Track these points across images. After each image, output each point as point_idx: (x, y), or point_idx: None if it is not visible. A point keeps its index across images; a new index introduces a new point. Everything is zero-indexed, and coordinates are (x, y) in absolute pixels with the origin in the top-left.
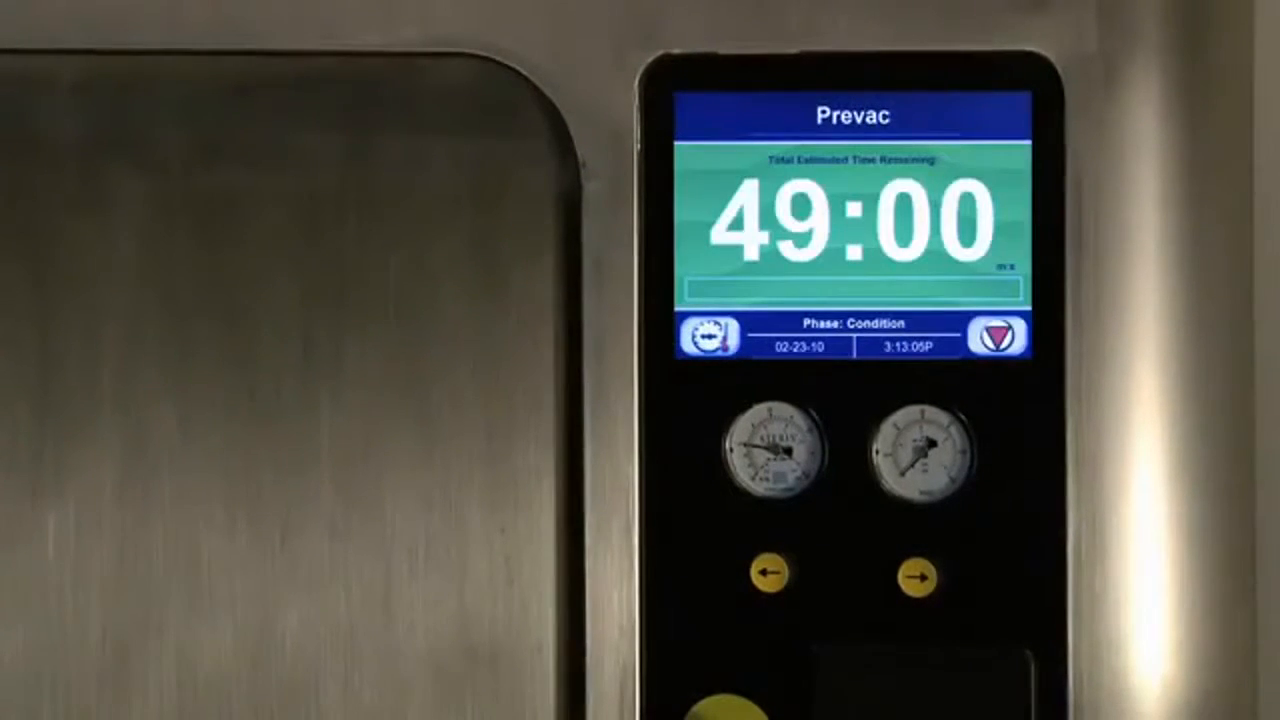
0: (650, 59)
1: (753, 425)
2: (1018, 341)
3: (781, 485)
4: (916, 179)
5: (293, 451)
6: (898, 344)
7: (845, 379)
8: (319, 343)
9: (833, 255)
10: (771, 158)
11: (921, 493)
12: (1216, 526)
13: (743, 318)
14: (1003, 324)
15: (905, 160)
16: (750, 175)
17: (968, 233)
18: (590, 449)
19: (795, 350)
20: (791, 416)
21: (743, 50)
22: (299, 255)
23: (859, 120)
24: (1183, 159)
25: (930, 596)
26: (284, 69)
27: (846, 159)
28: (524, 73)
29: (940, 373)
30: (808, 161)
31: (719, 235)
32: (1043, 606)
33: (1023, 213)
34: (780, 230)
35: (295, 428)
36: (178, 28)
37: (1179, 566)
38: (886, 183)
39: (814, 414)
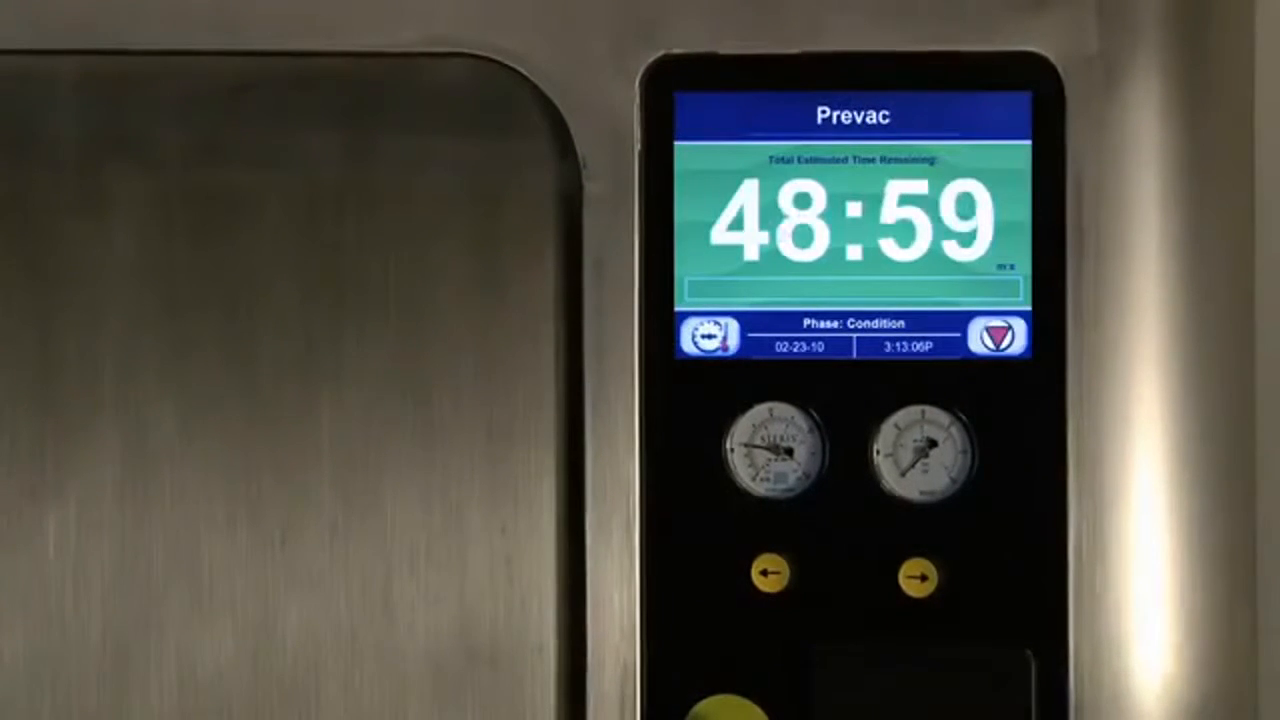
0: (650, 59)
1: (753, 425)
2: (1018, 341)
3: (782, 485)
4: (916, 179)
5: (293, 451)
6: (898, 344)
7: (845, 379)
8: (319, 343)
9: (833, 255)
10: (772, 158)
11: (922, 493)
12: (1217, 526)
13: (743, 318)
14: (1003, 324)
15: (905, 160)
16: (750, 175)
17: (968, 232)
18: (590, 449)
19: (795, 350)
20: (792, 417)
21: (743, 50)
22: (299, 255)
23: (859, 120)
24: (1183, 159)
25: (930, 596)
26: (284, 69)
27: (846, 159)
28: (524, 73)
29: (940, 373)
30: (808, 161)
31: (719, 235)
32: (1043, 606)
33: (1023, 213)
34: (780, 230)
35: (295, 427)
36: (177, 28)
37: (1179, 566)
38: (886, 182)
39: (815, 414)
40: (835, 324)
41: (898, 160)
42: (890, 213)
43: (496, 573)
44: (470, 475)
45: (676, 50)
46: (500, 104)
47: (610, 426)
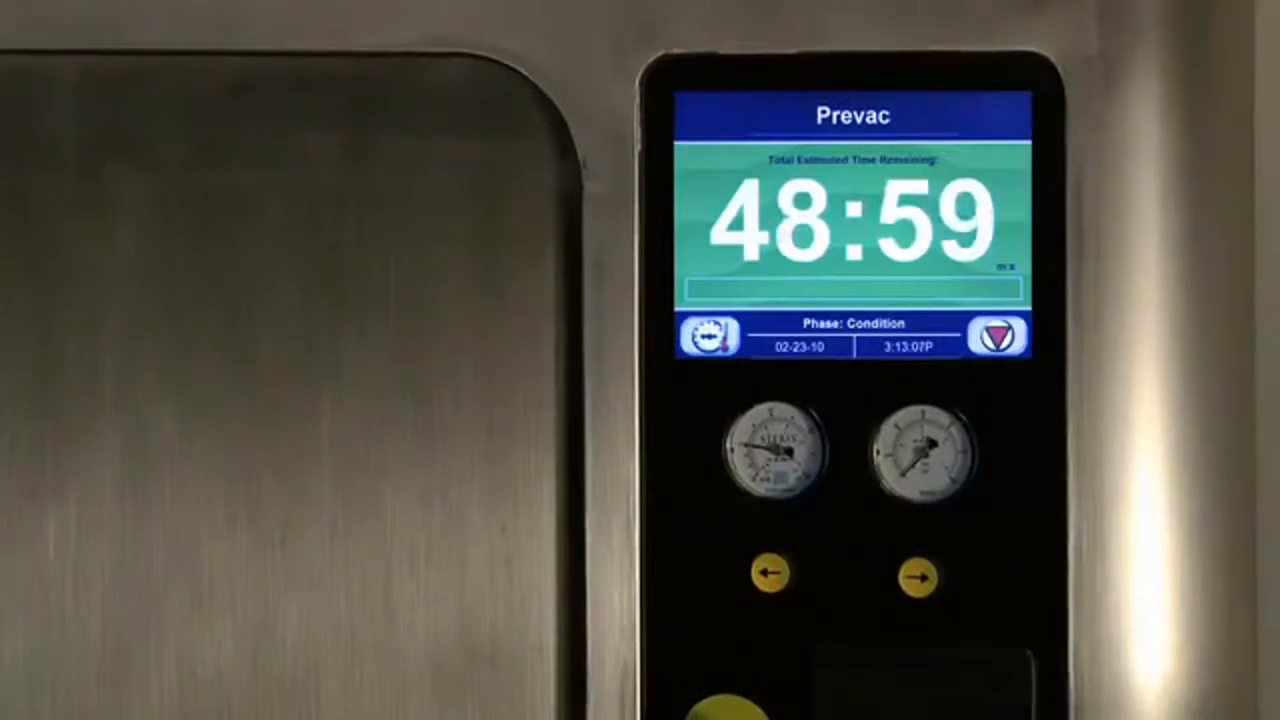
0: (650, 59)
1: (754, 425)
2: (1018, 341)
3: (782, 485)
4: (916, 179)
5: (293, 451)
6: (898, 344)
7: (845, 379)
8: (319, 343)
9: (833, 255)
10: (771, 158)
11: (922, 493)
12: (1217, 526)
13: (743, 318)
14: (1003, 324)
15: (905, 160)
16: (750, 175)
17: (968, 232)
18: (590, 449)
19: (795, 350)
20: (792, 417)
21: (743, 50)
22: (299, 255)
23: (859, 120)
24: (1183, 159)
25: (930, 596)
26: (284, 69)
27: (846, 159)
28: (524, 73)
29: (940, 373)
30: (808, 161)
31: (719, 235)
32: (1043, 606)
33: (1023, 213)
34: (780, 230)
35: (295, 428)
36: (178, 28)
37: (1179, 566)
38: (886, 182)
39: (815, 414)
40: (835, 324)
41: (898, 160)
42: (890, 213)
43: (496, 573)
44: (470, 475)
45: (676, 50)
46: (500, 104)
47: (610, 426)
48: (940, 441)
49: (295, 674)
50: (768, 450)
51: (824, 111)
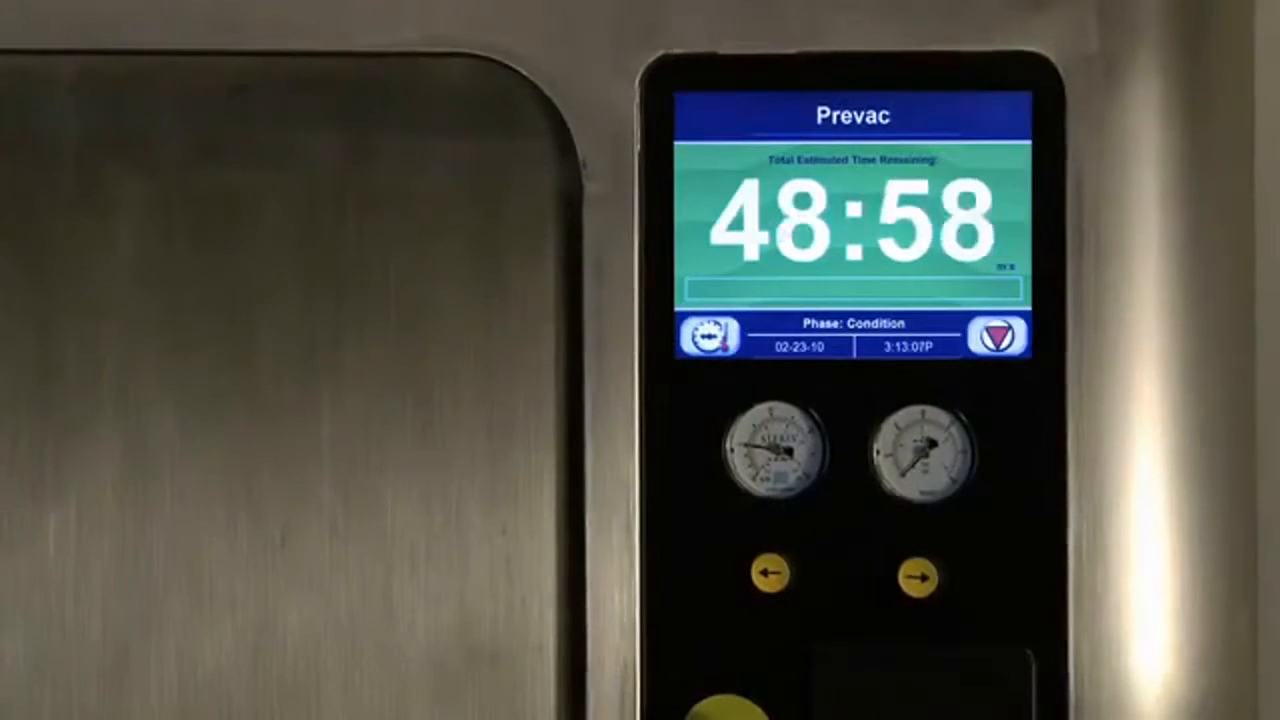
0: (650, 59)
1: (754, 425)
2: (1018, 341)
3: (782, 485)
4: (916, 179)
5: (293, 451)
6: (898, 344)
7: (845, 379)
8: (319, 343)
9: (833, 255)
10: (771, 158)
11: (922, 493)
12: (1217, 526)
13: (743, 318)
14: (1003, 324)
15: (905, 160)
16: (750, 175)
17: (968, 232)
18: (590, 449)
19: (795, 350)
20: (792, 417)
21: (743, 50)
22: (299, 255)
23: (859, 120)
24: (1183, 159)
25: (930, 596)
26: (284, 69)
27: (846, 159)
28: (524, 73)
29: (940, 373)
30: (808, 161)
31: (719, 235)
32: (1043, 606)
33: (1023, 213)
34: (780, 230)
35: (295, 428)
36: (177, 28)
37: (1179, 567)
38: (887, 182)
39: (815, 414)
40: (835, 324)
41: (898, 160)
42: (890, 213)
43: (496, 573)
44: (470, 475)
45: (676, 50)
46: (500, 104)
47: (610, 426)
48: (940, 441)
49: (295, 674)
50: (768, 450)
51: (824, 111)
